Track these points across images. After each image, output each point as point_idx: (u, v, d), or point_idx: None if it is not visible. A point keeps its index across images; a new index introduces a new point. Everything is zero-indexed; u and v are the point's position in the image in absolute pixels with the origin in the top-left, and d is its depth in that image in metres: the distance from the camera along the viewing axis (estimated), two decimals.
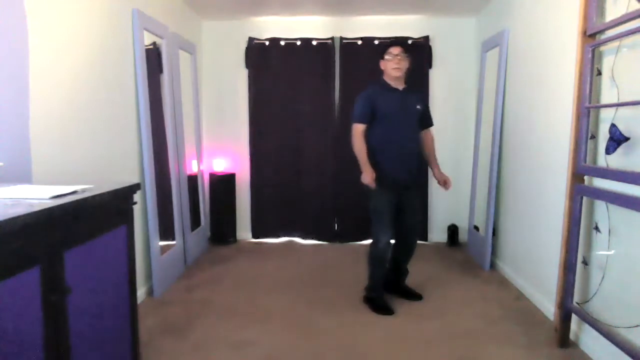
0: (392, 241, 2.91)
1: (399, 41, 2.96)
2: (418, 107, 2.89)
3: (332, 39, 4.41)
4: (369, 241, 4.59)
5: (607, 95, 2.16)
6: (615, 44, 2.06)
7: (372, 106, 2.81)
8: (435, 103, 4.48)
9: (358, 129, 2.83)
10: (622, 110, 2.03)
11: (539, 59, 2.98)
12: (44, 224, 1.27)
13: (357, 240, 4.47)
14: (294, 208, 4.55)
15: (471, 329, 2.60)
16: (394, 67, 2.80)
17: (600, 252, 2.20)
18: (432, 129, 3.07)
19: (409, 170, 2.85)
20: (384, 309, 2.83)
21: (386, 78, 2.88)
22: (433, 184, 4.52)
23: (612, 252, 2.11)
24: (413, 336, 2.52)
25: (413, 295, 3.03)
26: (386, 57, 2.84)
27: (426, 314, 2.81)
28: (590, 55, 2.17)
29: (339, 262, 3.88)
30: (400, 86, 2.87)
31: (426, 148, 3.04)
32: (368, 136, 2.84)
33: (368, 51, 4.36)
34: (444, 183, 2.99)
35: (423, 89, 4.42)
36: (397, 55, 2.80)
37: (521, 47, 3.30)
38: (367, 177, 2.80)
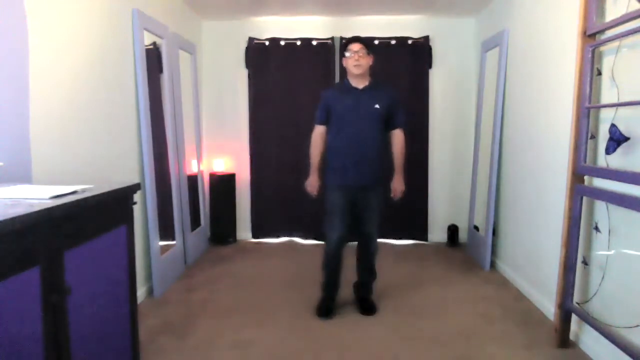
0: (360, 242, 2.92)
1: (360, 38, 2.79)
2: (376, 106, 2.71)
3: (332, 39, 4.41)
4: None
5: (607, 95, 2.16)
6: (615, 44, 2.06)
7: (327, 107, 2.77)
8: (435, 103, 4.48)
9: (315, 131, 2.85)
10: (622, 110, 2.03)
11: (539, 59, 2.98)
12: (44, 224, 1.26)
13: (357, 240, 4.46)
14: (294, 208, 4.54)
15: (471, 329, 2.60)
16: (354, 64, 2.69)
17: (600, 252, 2.20)
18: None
19: (361, 172, 2.71)
20: (319, 310, 2.80)
21: (348, 77, 2.79)
22: (433, 184, 4.54)
23: (612, 252, 2.11)
24: (413, 336, 2.52)
25: (364, 308, 2.84)
26: (346, 54, 2.73)
27: (426, 314, 2.81)
28: (590, 55, 2.17)
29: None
30: (360, 85, 2.75)
31: (393, 150, 2.85)
32: (327, 137, 2.82)
33: None
34: (394, 190, 2.83)
35: (421, 89, 4.42)
36: (357, 51, 2.68)
37: (521, 47, 3.30)
38: (309, 183, 2.86)
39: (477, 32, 4.35)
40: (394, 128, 2.83)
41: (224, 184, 4.43)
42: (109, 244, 1.66)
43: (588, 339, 2.31)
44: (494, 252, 3.73)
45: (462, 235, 4.50)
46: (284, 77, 4.46)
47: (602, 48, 2.17)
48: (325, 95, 2.83)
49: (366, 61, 2.72)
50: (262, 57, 4.46)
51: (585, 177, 2.28)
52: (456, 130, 4.52)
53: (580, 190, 2.25)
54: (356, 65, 2.69)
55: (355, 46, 2.71)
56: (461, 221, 4.49)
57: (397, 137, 2.84)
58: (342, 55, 2.79)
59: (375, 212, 2.81)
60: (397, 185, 2.84)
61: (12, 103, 1.94)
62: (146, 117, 3.00)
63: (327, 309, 2.80)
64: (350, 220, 2.79)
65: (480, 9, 4.15)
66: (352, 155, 2.71)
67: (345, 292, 2.99)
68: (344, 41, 2.85)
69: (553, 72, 2.76)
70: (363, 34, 4.33)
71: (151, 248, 3.04)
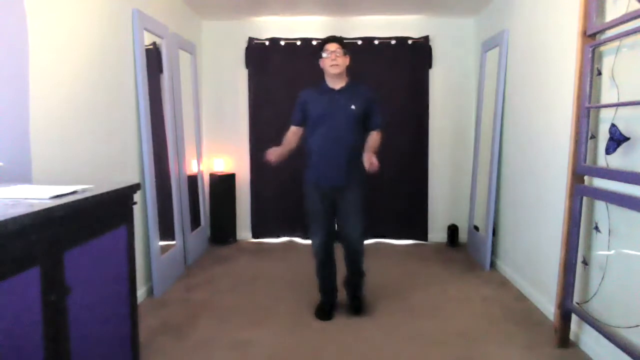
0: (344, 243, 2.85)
1: (337, 37, 2.72)
2: (352, 107, 2.66)
3: None
4: (369, 241, 4.59)
5: (607, 95, 2.16)
6: (615, 44, 2.06)
7: (303, 109, 2.75)
8: (436, 103, 4.48)
9: (289, 130, 2.82)
10: (622, 110, 2.03)
11: (539, 59, 2.97)
12: (44, 224, 1.26)
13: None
14: (294, 208, 4.54)
15: (471, 329, 2.60)
16: (331, 64, 2.63)
17: (600, 252, 2.20)
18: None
19: (336, 173, 2.66)
20: (318, 311, 2.80)
21: (325, 77, 2.74)
22: (433, 184, 4.54)
23: (612, 252, 2.11)
24: (413, 336, 2.52)
25: (353, 307, 2.83)
26: (323, 54, 2.67)
27: (426, 314, 2.81)
28: (590, 55, 2.17)
29: (338, 262, 3.87)
30: (337, 85, 2.70)
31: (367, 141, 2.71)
32: (307, 139, 2.79)
33: (368, 51, 4.37)
34: (370, 164, 2.53)
35: (421, 89, 4.42)
36: (334, 51, 2.63)
37: (521, 47, 3.30)
38: (270, 150, 2.72)
39: (477, 32, 4.35)
40: (372, 130, 2.73)
41: (224, 184, 4.43)
42: (109, 244, 1.66)
43: (588, 339, 2.31)
44: (494, 252, 3.73)
45: (462, 235, 4.50)
46: (284, 77, 4.46)
47: (602, 48, 2.17)
48: (301, 96, 2.79)
49: (343, 61, 2.66)
50: (262, 57, 4.46)
51: (585, 177, 2.28)
52: (456, 130, 4.52)
53: (580, 190, 2.25)
54: (333, 65, 2.64)
55: (332, 46, 2.65)
56: (461, 221, 4.49)
57: (373, 136, 2.73)
58: (319, 57, 2.72)
59: (355, 214, 2.75)
60: (369, 157, 2.55)
61: (12, 103, 1.94)
62: (146, 117, 3.00)
63: (326, 311, 2.79)
64: (333, 222, 2.78)
65: (480, 9, 4.15)
66: (327, 156, 2.68)
67: (341, 292, 2.99)
68: (320, 41, 2.78)
69: (553, 72, 2.76)
70: (363, 34, 4.37)
71: (151, 248, 3.04)
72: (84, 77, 2.39)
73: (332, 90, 2.72)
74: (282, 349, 2.38)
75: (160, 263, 3.14)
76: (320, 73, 2.78)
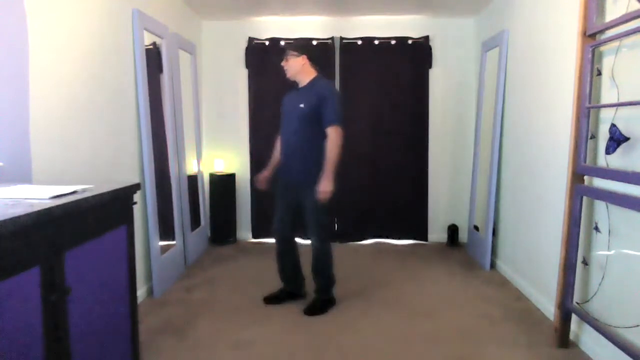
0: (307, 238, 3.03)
1: (284, 51, 2.87)
2: (301, 105, 2.72)
3: (332, 39, 4.40)
4: (369, 241, 4.59)
5: (607, 95, 2.16)
6: (615, 44, 2.06)
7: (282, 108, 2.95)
8: (435, 103, 4.48)
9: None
10: (622, 110, 2.03)
11: (539, 59, 2.98)
12: (44, 224, 1.26)
13: (357, 240, 4.47)
14: None
15: (471, 329, 2.60)
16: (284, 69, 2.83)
17: (600, 252, 2.20)
18: (332, 129, 2.68)
19: (291, 169, 2.82)
20: (267, 296, 2.98)
21: None
22: (433, 184, 4.54)
23: (612, 252, 2.11)
24: (413, 336, 2.52)
25: (306, 306, 2.88)
26: None
27: (426, 314, 2.81)
28: (590, 55, 2.17)
29: (338, 262, 3.86)
30: (301, 85, 2.85)
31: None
32: None
33: (368, 51, 4.37)
34: (321, 193, 2.67)
35: (421, 89, 4.42)
36: (284, 56, 2.82)
37: (521, 47, 3.30)
38: (256, 177, 3.05)
39: (477, 32, 4.35)
40: (325, 128, 2.69)
41: (224, 184, 4.43)
42: (109, 244, 1.66)
43: (588, 339, 2.31)
44: (494, 252, 3.73)
45: (462, 235, 4.50)
46: (284, 77, 4.43)
47: (602, 48, 2.17)
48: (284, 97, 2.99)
49: (290, 64, 2.79)
50: (262, 57, 4.46)
51: (585, 177, 2.28)
52: (456, 130, 4.52)
53: (580, 190, 2.25)
54: (285, 70, 2.82)
55: (283, 62, 2.82)
56: (461, 221, 4.49)
57: (328, 137, 2.68)
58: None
59: (310, 213, 2.83)
60: (321, 186, 2.66)
61: (12, 103, 1.94)
62: (146, 117, 3.00)
63: (273, 296, 2.95)
64: (292, 213, 2.97)
65: (480, 9, 4.15)
66: (284, 154, 2.87)
67: (344, 292, 2.99)
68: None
69: (553, 72, 2.76)
70: (363, 34, 4.37)
71: (151, 248, 3.04)
72: (84, 77, 2.39)
73: (297, 89, 2.87)
74: (282, 349, 2.38)
75: (160, 263, 3.14)
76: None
